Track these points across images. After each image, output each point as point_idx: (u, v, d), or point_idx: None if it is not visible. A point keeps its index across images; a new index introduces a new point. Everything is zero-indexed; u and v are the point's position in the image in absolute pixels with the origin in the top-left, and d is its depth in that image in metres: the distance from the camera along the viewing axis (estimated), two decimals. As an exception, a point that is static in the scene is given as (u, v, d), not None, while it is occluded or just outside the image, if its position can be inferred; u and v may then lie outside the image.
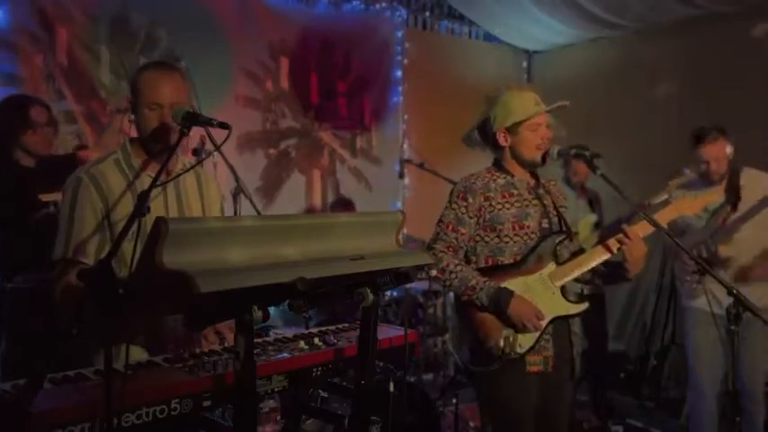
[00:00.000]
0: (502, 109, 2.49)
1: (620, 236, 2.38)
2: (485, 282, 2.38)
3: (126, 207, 1.91)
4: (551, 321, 2.41)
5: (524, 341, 2.38)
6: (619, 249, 2.39)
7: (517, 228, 2.44)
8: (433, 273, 2.45)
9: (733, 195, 3.26)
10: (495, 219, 2.44)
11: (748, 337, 3.08)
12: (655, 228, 2.37)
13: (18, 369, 2.89)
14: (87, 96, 4.25)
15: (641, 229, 2.40)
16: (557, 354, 2.44)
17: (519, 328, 2.36)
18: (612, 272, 2.50)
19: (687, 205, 2.53)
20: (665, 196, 3.56)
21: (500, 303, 2.34)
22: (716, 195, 2.63)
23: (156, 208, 1.92)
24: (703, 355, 3.34)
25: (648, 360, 5.02)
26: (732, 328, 2.15)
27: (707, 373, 3.31)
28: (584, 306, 2.46)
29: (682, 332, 4.63)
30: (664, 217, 2.44)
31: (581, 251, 2.51)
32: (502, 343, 2.36)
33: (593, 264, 2.44)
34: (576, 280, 2.51)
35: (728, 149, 3.29)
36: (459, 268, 2.41)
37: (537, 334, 2.38)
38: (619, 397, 4.85)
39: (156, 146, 1.96)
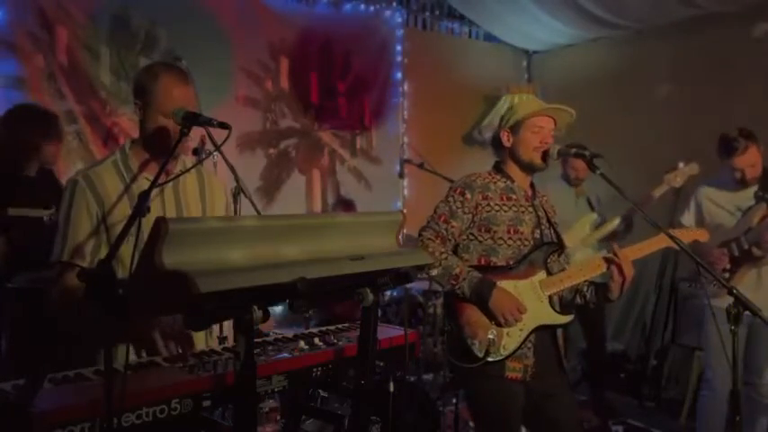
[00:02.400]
0: (507, 110, 2.57)
1: (610, 255, 2.38)
2: (468, 272, 2.37)
3: (122, 209, 1.91)
4: (535, 330, 2.40)
5: (508, 344, 2.37)
6: (608, 268, 2.39)
7: (512, 232, 2.44)
8: (433, 272, 2.43)
9: None
10: (492, 219, 2.44)
11: (761, 332, 3.24)
12: (657, 229, 2.36)
13: (18, 369, 2.89)
14: (87, 96, 4.25)
15: (632, 253, 2.37)
16: (537, 363, 2.42)
17: (500, 322, 2.34)
18: (595, 292, 2.49)
19: (678, 234, 2.52)
20: (665, 188, 3.56)
21: (482, 295, 2.34)
22: (704, 235, 2.68)
23: (154, 210, 1.92)
24: (723, 354, 3.36)
25: (648, 360, 5.02)
26: (732, 328, 2.15)
27: (725, 371, 3.31)
28: (569, 318, 2.46)
29: (685, 331, 4.65)
30: (654, 245, 2.42)
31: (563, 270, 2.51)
32: (486, 343, 2.35)
33: (585, 277, 2.44)
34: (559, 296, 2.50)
35: (760, 152, 3.31)
36: (443, 256, 2.40)
37: (521, 339, 2.37)
38: (619, 397, 4.85)
39: (162, 149, 1.94)
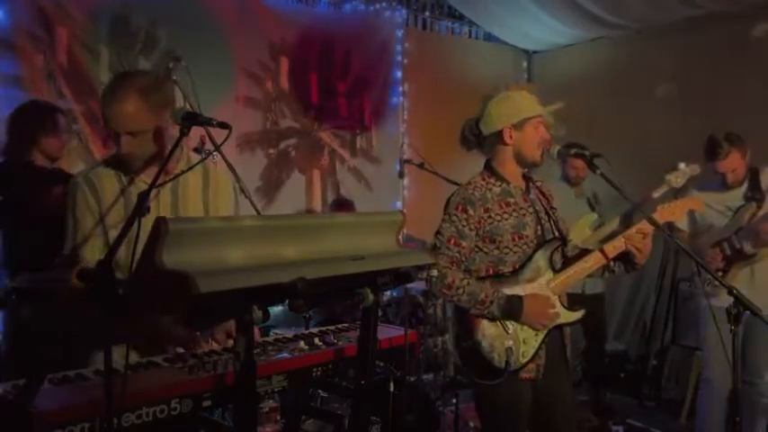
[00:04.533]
0: (509, 106, 2.45)
1: (630, 232, 2.41)
2: (494, 293, 2.34)
3: (118, 211, 1.91)
4: (549, 331, 2.41)
5: (526, 350, 2.37)
6: (615, 259, 2.44)
7: (516, 238, 2.41)
8: (434, 273, 2.41)
9: (758, 194, 3.31)
10: (495, 230, 2.40)
11: (758, 330, 3.26)
12: (655, 228, 2.37)
13: (18, 369, 2.89)
14: (87, 96, 4.25)
15: (646, 227, 2.42)
16: (548, 361, 2.43)
17: (539, 329, 2.37)
18: (623, 264, 2.51)
19: (670, 212, 2.53)
20: (665, 189, 3.57)
21: (513, 313, 2.33)
22: (697, 203, 2.74)
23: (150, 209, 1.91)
24: (722, 354, 3.37)
25: (648, 360, 5.02)
26: (732, 328, 2.15)
27: (723, 370, 3.32)
28: (580, 313, 2.46)
29: (685, 332, 4.65)
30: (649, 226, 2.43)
31: (576, 257, 2.50)
32: (505, 355, 2.34)
33: (590, 270, 2.45)
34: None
35: (743, 158, 3.34)
36: (465, 282, 2.35)
37: (538, 344, 2.38)
38: (619, 397, 4.85)
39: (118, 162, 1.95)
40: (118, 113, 1.84)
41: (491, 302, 2.32)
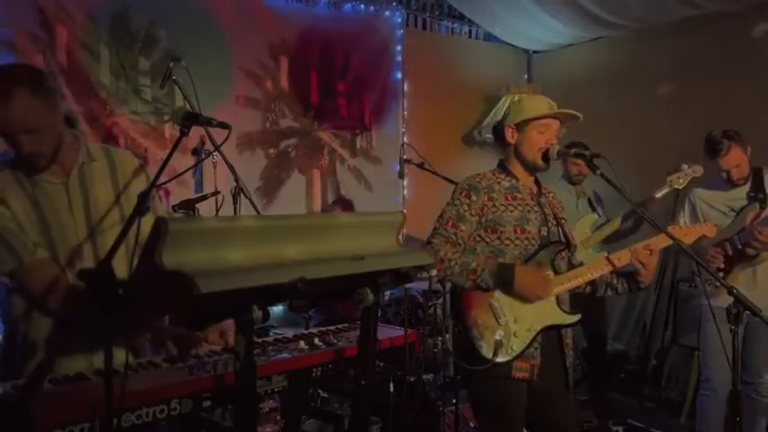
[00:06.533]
0: (515, 106, 2.53)
1: (636, 247, 2.41)
2: (485, 260, 2.35)
3: (29, 215, 1.84)
4: (542, 330, 2.40)
5: (516, 344, 2.37)
6: (613, 270, 2.44)
7: (519, 231, 2.42)
8: (434, 272, 2.42)
9: (761, 194, 3.30)
10: (498, 220, 2.42)
11: (758, 331, 3.26)
12: (658, 230, 2.37)
13: (17, 369, 2.88)
14: (87, 96, 4.25)
15: (662, 242, 2.41)
16: (544, 363, 2.42)
17: (531, 300, 2.35)
18: (627, 283, 2.52)
19: (682, 234, 2.53)
20: (666, 189, 3.57)
21: (506, 280, 2.32)
22: (712, 229, 2.74)
23: (61, 208, 1.87)
24: (722, 354, 3.37)
25: (648, 360, 5.02)
26: (732, 328, 2.15)
27: (723, 370, 3.31)
28: (576, 317, 2.46)
29: (685, 332, 4.65)
30: (658, 243, 2.43)
31: (580, 264, 2.51)
32: (493, 344, 2.35)
33: (592, 276, 2.45)
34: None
35: (745, 152, 3.33)
36: (457, 256, 2.37)
37: (528, 339, 2.37)
38: (619, 397, 4.85)
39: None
40: (10, 113, 1.73)
41: (483, 270, 2.34)
